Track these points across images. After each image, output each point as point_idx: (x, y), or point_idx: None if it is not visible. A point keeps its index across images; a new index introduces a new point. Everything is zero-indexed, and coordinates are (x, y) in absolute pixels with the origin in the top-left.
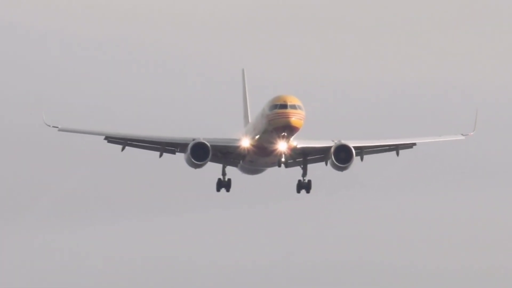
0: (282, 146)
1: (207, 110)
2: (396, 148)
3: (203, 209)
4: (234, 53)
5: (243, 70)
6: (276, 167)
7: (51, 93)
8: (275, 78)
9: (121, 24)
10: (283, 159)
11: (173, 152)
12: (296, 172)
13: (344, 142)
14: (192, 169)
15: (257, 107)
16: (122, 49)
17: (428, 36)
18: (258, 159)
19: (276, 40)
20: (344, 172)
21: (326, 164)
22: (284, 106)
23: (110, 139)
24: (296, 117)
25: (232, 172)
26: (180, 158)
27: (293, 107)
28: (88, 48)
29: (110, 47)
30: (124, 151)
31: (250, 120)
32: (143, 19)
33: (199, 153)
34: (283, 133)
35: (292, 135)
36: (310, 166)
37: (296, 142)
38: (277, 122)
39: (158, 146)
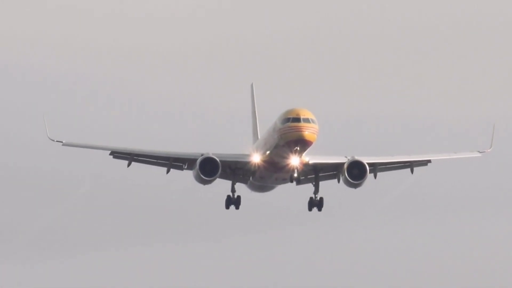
0: (294, 161)
1: (215, 126)
2: (411, 165)
3: (211, 228)
4: (242, 67)
5: (251, 85)
6: (287, 185)
7: (55, 107)
8: (285, 93)
9: (126, 34)
10: (295, 174)
11: (181, 168)
12: (307, 189)
13: (357, 158)
14: (201, 185)
15: (267, 123)
16: (128, 62)
17: (443, 49)
18: (269, 175)
19: (286, 54)
20: (358, 189)
21: (339, 181)
22: (297, 119)
23: (116, 154)
24: (309, 131)
25: (242, 189)
26: (187, 174)
27: (306, 120)
28: (93, 61)
29: (116, 59)
30: (130, 167)
31: (259, 136)
32: (149, 29)
33: (208, 168)
34: (296, 148)
35: (305, 149)
36: (322, 184)
37: (308, 158)
38: (290, 136)
39: (166, 162)
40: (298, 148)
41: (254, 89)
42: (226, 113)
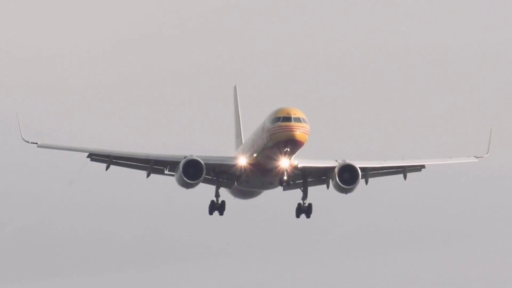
0: (283, 163)
1: (196, 128)
2: (404, 170)
3: (193, 237)
4: (225, 69)
5: (235, 87)
6: (273, 190)
7: (30, 107)
8: (270, 94)
9: (104, 37)
10: (285, 177)
11: (162, 172)
12: (295, 195)
13: (349, 161)
14: (183, 190)
15: (250, 125)
16: (105, 62)
17: (439, 53)
18: (256, 179)
19: (272, 54)
20: (348, 194)
21: (328, 187)
22: (288, 118)
23: (94, 156)
24: (300, 131)
25: (227, 194)
26: (169, 178)
27: (298, 120)
28: (71, 60)
29: (93, 59)
30: (108, 170)
31: (243, 139)
32: (128, 32)
33: (192, 171)
34: (286, 149)
35: (296, 151)
36: (310, 189)
37: (297, 161)
38: (280, 136)
39: (146, 165)
40: (289, 149)
41: (237, 91)
42: (207, 115)
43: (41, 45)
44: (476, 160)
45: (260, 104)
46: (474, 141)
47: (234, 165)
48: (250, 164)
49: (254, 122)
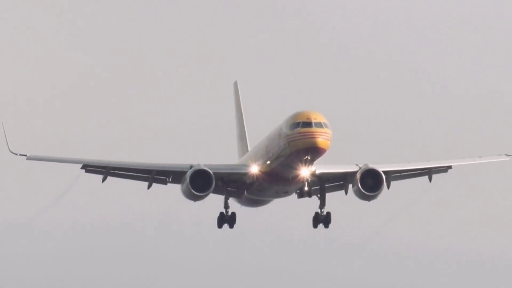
0: (302, 172)
1: (194, 131)
2: (429, 172)
3: (201, 254)
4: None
5: (235, 83)
6: (286, 198)
7: (17, 117)
8: (274, 91)
9: (97, 39)
10: (306, 188)
11: (164, 182)
12: (310, 203)
13: (371, 166)
14: (190, 202)
15: (256, 126)
16: (99, 68)
17: (466, 47)
18: (269, 187)
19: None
20: (371, 201)
21: (346, 193)
22: (308, 124)
23: (89, 168)
24: (323, 137)
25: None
26: (172, 188)
27: (319, 125)
28: (61, 67)
29: (87, 64)
30: (105, 182)
31: (248, 141)
32: (121, 36)
33: (200, 182)
34: (306, 157)
35: (316, 158)
36: (327, 196)
37: (315, 167)
38: (300, 143)
39: (147, 175)
40: (309, 158)
41: (238, 87)
42: (206, 116)
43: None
44: (508, 158)
45: (265, 103)
46: (502, 139)
47: (245, 174)
48: (264, 172)
49: (261, 122)
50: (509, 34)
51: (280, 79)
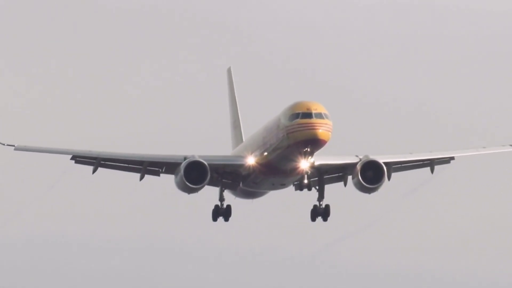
0: (302, 164)
1: (187, 120)
2: (431, 163)
3: (195, 247)
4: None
5: (229, 69)
6: (282, 191)
7: (4, 106)
8: (269, 79)
9: (87, 30)
10: (305, 181)
11: (157, 174)
12: (308, 195)
13: (372, 157)
14: (184, 194)
15: (250, 114)
16: (86, 59)
17: (467, 38)
18: (266, 179)
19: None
20: (372, 194)
21: (345, 184)
22: (308, 115)
23: (79, 158)
24: (323, 129)
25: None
26: (165, 180)
27: (319, 116)
28: (52, 57)
29: (75, 54)
30: (95, 173)
31: (242, 128)
32: (110, 27)
33: (195, 174)
34: (306, 149)
35: (316, 150)
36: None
37: (313, 158)
38: (300, 135)
39: (139, 167)
40: (309, 150)
41: (232, 74)
42: (199, 104)
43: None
44: None
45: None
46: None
47: (241, 165)
48: (261, 164)
49: (255, 111)
50: None
51: (276, 66)
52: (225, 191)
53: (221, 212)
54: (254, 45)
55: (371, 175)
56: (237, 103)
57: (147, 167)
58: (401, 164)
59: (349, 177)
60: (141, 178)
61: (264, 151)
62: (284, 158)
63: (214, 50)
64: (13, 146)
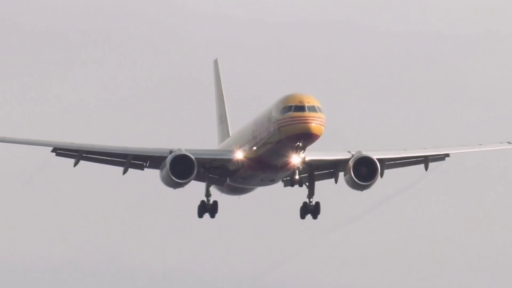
0: (293, 159)
1: (171, 114)
2: (425, 160)
3: (180, 244)
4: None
5: (215, 61)
6: (271, 187)
7: None
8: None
9: (74, 23)
10: (296, 176)
11: (141, 167)
12: (298, 192)
13: (365, 153)
14: (170, 189)
15: (237, 107)
16: (69, 49)
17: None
18: (254, 175)
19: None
20: (364, 191)
21: (336, 181)
22: (301, 108)
23: (60, 151)
24: (316, 122)
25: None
26: (149, 174)
27: (312, 109)
28: (36, 47)
29: (56, 43)
30: (76, 166)
31: (228, 121)
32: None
33: (180, 168)
34: (298, 143)
35: (309, 145)
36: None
37: (304, 153)
38: (292, 129)
39: (122, 160)
40: (301, 144)
41: (218, 66)
42: (183, 97)
43: None
44: (510, 146)
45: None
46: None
47: (230, 160)
48: (250, 159)
49: (243, 104)
50: None
51: (265, 57)
52: (212, 186)
53: (208, 209)
54: (240, 36)
55: (364, 171)
56: (224, 96)
57: (131, 160)
58: (394, 160)
59: (341, 174)
60: (124, 172)
61: (254, 145)
62: (274, 152)
63: (201, 42)
64: None
